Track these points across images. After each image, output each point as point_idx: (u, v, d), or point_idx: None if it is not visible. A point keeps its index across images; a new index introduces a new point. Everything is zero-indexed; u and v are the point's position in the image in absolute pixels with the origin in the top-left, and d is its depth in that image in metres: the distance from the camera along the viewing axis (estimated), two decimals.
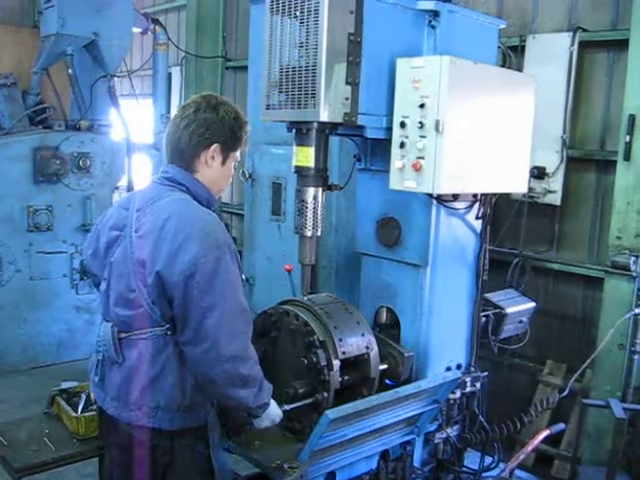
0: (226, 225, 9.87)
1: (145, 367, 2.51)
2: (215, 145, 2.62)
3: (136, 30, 7.50)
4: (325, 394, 2.89)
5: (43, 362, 6.57)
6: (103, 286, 2.65)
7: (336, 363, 2.91)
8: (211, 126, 2.60)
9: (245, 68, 6.27)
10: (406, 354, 3.26)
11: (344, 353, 2.96)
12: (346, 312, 3.16)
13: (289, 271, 3.89)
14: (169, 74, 8.83)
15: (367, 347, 3.07)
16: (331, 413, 2.60)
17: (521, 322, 3.94)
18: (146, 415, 2.52)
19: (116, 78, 7.40)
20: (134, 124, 7.24)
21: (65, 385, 3.75)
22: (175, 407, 2.52)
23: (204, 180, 2.65)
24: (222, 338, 2.39)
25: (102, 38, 6.87)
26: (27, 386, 5.87)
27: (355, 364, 3.07)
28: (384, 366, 3.22)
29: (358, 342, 3.05)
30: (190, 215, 2.48)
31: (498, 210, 4.97)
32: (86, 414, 3.32)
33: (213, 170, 2.66)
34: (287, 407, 2.83)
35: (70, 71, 6.84)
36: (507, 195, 4.89)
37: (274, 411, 2.70)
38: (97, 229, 2.76)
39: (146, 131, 8.03)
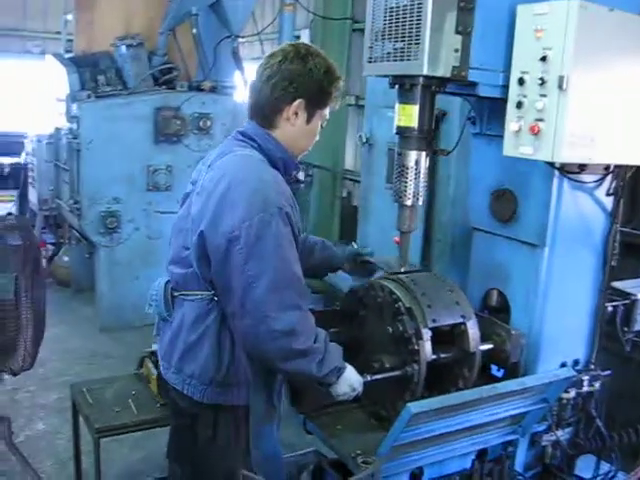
0: (348, 194, 9.70)
1: (186, 331, 2.41)
2: (299, 101, 2.38)
3: None
4: (415, 366, 2.58)
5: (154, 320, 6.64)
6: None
7: (426, 331, 2.59)
8: (296, 79, 2.36)
9: None
10: (513, 331, 2.90)
11: (434, 321, 2.63)
12: (437, 280, 2.86)
13: (399, 244, 3.62)
14: (297, 37, 8.65)
15: (463, 316, 2.72)
16: (414, 407, 2.30)
17: None
18: (182, 381, 2.43)
19: (243, 41, 7.32)
20: None
21: (155, 346, 3.69)
22: (207, 380, 2.38)
23: (284, 138, 2.42)
24: (271, 311, 2.17)
25: None
26: (137, 343, 5.91)
27: (451, 338, 2.75)
28: (489, 346, 2.88)
29: (451, 310, 2.72)
30: (245, 173, 2.29)
31: (637, 187, 4.40)
32: None
33: (296, 128, 2.42)
34: (370, 377, 2.56)
35: (194, 31, 6.81)
36: None
37: (353, 376, 2.45)
38: None
39: None
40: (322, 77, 2.39)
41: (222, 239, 2.20)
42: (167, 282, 2.49)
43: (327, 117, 2.53)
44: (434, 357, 2.62)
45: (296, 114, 2.40)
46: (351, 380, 2.44)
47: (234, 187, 2.24)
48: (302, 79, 2.37)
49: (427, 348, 2.57)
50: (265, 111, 2.42)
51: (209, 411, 2.43)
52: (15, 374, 3.09)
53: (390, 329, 2.64)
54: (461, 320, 2.71)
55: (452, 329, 2.74)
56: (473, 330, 2.72)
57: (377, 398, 2.76)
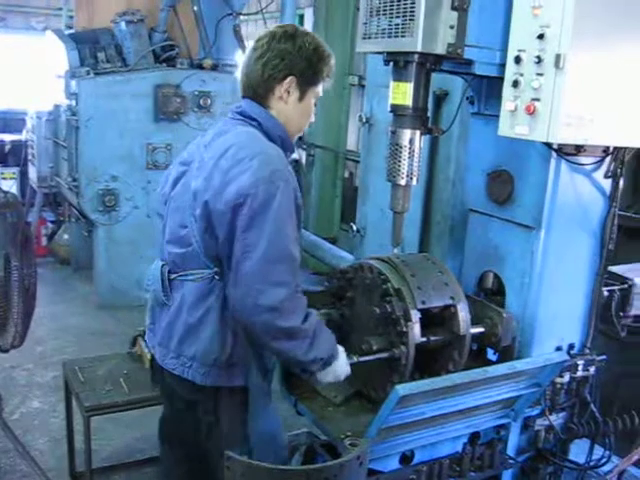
0: (350, 174, 9.64)
1: (186, 312, 2.35)
2: (290, 78, 2.37)
3: None
4: (403, 348, 2.53)
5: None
6: (162, 223, 2.49)
7: (414, 313, 2.54)
8: (286, 57, 2.35)
9: None
10: (505, 314, 2.84)
11: (424, 302, 2.59)
12: (427, 261, 2.81)
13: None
14: (300, 15, 8.54)
15: (452, 298, 2.67)
16: (402, 389, 2.27)
17: None
18: (182, 365, 2.37)
19: (246, 19, 7.23)
20: None
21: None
22: (211, 361, 2.33)
23: (278, 117, 2.41)
24: (257, 284, 2.15)
25: None
26: (134, 321, 5.88)
27: (441, 320, 2.71)
28: (480, 329, 2.83)
29: (441, 292, 2.67)
30: (251, 148, 2.27)
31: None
32: None
33: (289, 106, 2.41)
34: (356, 359, 2.53)
35: (195, 8, 6.74)
36: None
37: (341, 367, 2.43)
38: (171, 166, 2.59)
39: None
40: (312, 54, 2.39)
41: (227, 206, 2.18)
42: (163, 265, 2.43)
43: (320, 95, 2.51)
44: (423, 339, 2.58)
45: (288, 92, 2.39)
46: (338, 371, 2.43)
47: (240, 160, 2.22)
48: (292, 56, 2.36)
49: (416, 330, 2.53)
50: (258, 91, 2.40)
51: (210, 396, 2.38)
52: (5, 351, 3.07)
53: (378, 310, 2.60)
54: (451, 302, 2.66)
55: (442, 312, 2.70)
56: (463, 313, 2.68)
57: (367, 380, 2.73)
